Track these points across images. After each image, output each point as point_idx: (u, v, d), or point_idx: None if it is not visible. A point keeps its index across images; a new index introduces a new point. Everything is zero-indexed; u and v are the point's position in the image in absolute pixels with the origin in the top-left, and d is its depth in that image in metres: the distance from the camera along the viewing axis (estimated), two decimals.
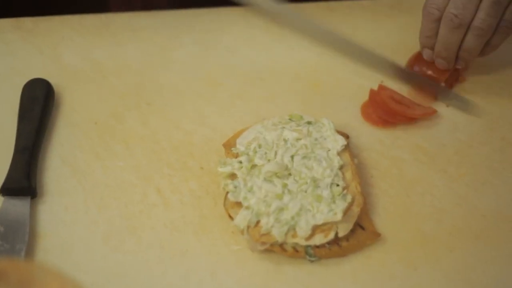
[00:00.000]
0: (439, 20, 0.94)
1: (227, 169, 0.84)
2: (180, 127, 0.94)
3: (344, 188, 0.82)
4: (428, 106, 0.96)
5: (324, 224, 0.79)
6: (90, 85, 0.99)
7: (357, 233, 0.81)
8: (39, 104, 0.93)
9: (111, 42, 1.05)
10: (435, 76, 0.98)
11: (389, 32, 1.08)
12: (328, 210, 0.80)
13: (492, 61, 1.01)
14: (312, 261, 0.79)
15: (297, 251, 0.79)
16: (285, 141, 0.87)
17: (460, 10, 0.91)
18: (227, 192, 0.83)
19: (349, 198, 0.81)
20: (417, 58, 1.00)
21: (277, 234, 0.78)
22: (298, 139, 0.87)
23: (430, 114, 0.95)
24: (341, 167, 0.85)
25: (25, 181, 0.84)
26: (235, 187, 0.83)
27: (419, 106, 0.96)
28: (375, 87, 0.97)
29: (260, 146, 0.86)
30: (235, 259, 0.80)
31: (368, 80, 0.99)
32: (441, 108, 0.96)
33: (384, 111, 0.94)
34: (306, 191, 0.81)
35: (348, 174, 0.85)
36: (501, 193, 0.87)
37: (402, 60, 1.01)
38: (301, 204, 0.80)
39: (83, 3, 1.13)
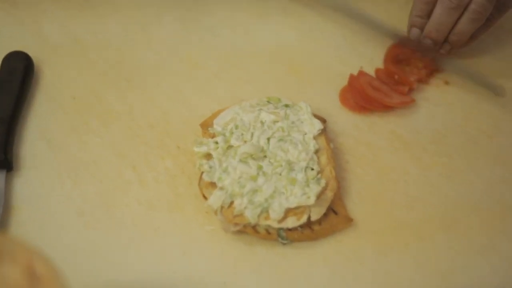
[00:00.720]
0: (430, 2, 0.94)
1: (203, 149, 0.84)
2: (158, 105, 0.94)
3: (318, 172, 0.83)
4: (406, 95, 0.97)
5: (297, 207, 0.80)
6: (70, 59, 0.99)
7: (330, 217, 0.82)
8: (18, 77, 0.92)
9: (93, 18, 1.05)
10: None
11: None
12: (302, 194, 0.80)
13: (470, 52, 1.01)
14: (284, 244, 0.80)
15: (269, 233, 0.80)
16: (262, 123, 0.87)
17: None
18: (202, 172, 0.83)
19: (323, 182, 0.82)
20: (396, 45, 1.01)
21: (250, 215, 0.79)
22: (275, 122, 0.87)
23: (407, 104, 0.95)
24: (316, 151, 0.85)
25: (1, 154, 0.84)
26: (210, 167, 0.83)
27: (397, 95, 0.96)
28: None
29: (237, 127, 0.86)
30: (208, 239, 0.81)
31: (348, 67, 0.99)
32: (419, 97, 0.97)
33: (361, 97, 0.95)
34: (280, 174, 0.82)
35: (323, 159, 0.85)
36: (473, 184, 0.88)
37: (383, 47, 1.02)
38: (275, 186, 0.81)
39: None
